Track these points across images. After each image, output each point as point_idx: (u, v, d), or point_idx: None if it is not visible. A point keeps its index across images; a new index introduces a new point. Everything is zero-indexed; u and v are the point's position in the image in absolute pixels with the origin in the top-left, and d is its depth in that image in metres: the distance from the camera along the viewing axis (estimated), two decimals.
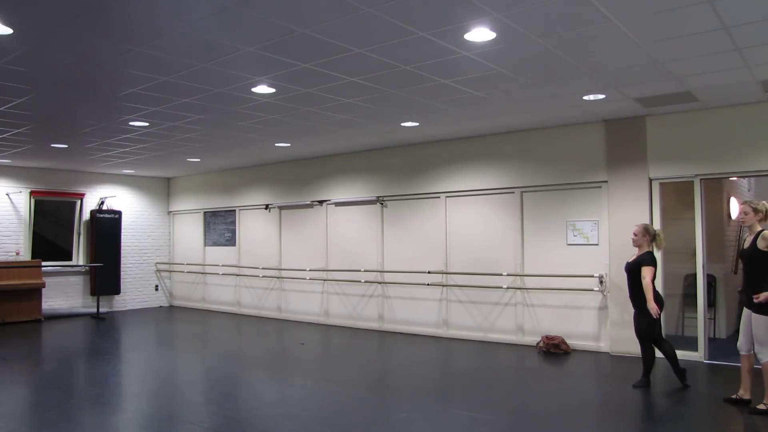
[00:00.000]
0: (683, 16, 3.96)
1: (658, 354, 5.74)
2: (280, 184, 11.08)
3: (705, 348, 6.72)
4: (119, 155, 9.76)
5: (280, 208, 11.07)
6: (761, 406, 4.74)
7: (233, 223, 12.01)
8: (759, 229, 4.84)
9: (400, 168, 9.30)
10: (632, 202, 7.08)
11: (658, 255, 6.90)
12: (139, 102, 6.18)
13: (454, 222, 8.71)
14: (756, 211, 4.89)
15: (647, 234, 5.73)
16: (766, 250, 4.71)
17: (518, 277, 8.01)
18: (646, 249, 5.68)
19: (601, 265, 7.33)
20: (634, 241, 5.76)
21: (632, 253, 5.88)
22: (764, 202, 5.01)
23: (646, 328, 5.61)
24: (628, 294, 5.84)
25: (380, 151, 9.55)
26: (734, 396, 5.02)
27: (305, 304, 10.55)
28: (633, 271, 5.64)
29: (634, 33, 4.27)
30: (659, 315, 5.49)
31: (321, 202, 10.38)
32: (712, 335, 7.66)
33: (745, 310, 4.88)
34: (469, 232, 8.55)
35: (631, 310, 5.82)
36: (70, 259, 11.78)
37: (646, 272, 5.48)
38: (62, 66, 4.95)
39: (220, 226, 12.30)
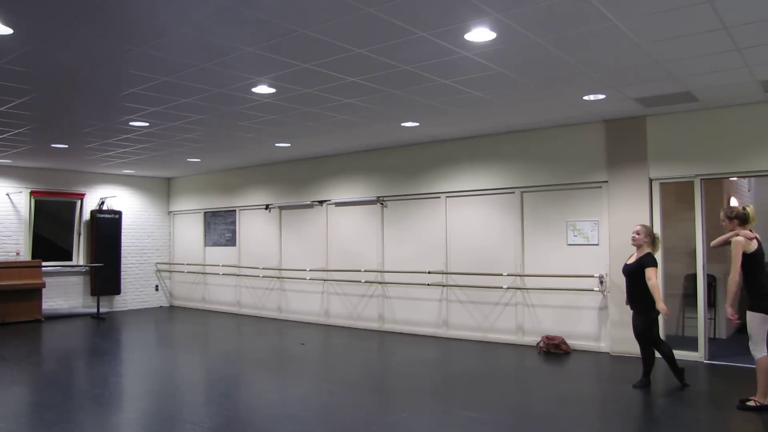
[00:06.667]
0: (683, 16, 3.96)
1: (658, 354, 5.74)
2: (280, 184, 11.08)
3: (705, 348, 6.72)
4: (119, 155, 9.76)
5: (281, 208, 11.07)
6: (751, 403, 4.76)
7: (233, 223, 12.01)
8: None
9: (400, 168, 9.30)
10: (632, 202, 7.08)
11: (657, 255, 6.93)
12: (140, 102, 6.18)
13: (454, 222, 8.71)
14: (730, 218, 4.96)
15: (648, 235, 5.72)
16: (733, 252, 4.77)
17: (518, 277, 8.01)
18: (646, 250, 5.67)
19: (601, 265, 7.32)
20: (635, 240, 5.73)
21: (629, 255, 5.88)
22: (740, 206, 5.06)
23: (645, 329, 5.61)
24: (626, 296, 5.85)
25: (380, 151, 9.55)
26: None
27: (305, 304, 10.55)
28: (634, 272, 5.62)
29: (634, 33, 4.27)
30: (664, 316, 5.51)
31: (321, 202, 10.37)
32: (712, 335, 7.66)
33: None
34: (469, 232, 8.54)
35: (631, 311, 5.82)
36: (70, 259, 11.78)
37: (651, 273, 5.46)
38: (62, 66, 4.95)
39: (221, 226, 12.30)
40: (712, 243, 5.32)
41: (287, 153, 9.87)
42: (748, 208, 4.97)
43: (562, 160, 7.70)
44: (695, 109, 6.61)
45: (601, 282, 7.27)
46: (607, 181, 7.35)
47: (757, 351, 4.70)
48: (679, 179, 6.90)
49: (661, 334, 6.85)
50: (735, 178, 8.61)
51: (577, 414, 4.99)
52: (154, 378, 6.57)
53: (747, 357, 4.86)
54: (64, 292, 11.51)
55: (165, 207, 13.42)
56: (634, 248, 5.78)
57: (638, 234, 5.72)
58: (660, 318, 5.67)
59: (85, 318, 11.11)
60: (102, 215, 11.88)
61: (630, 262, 5.75)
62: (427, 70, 5.15)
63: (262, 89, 5.73)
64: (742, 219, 4.92)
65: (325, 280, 10.22)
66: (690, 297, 7.65)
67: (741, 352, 6.83)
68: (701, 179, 6.75)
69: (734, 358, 6.61)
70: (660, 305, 5.40)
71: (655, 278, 5.45)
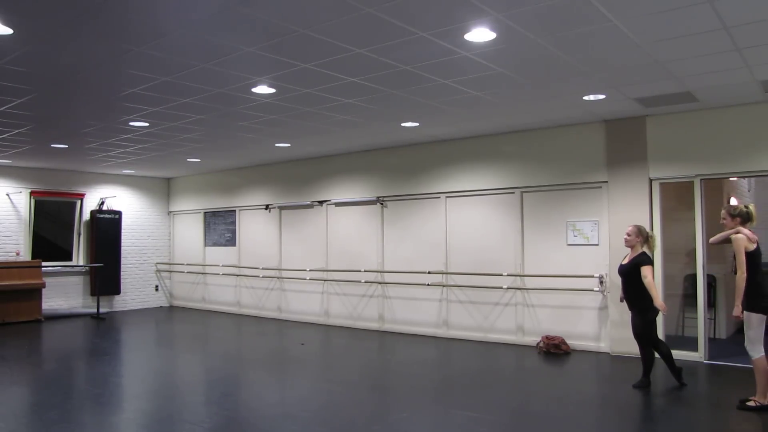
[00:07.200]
0: (683, 16, 3.96)
1: (658, 355, 5.74)
2: (280, 184, 11.08)
3: (705, 348, 6.72)
4: (119, 155, 9.76)
5: (280, 208, 11.07)
6: (751, 403, 4.77)
7: (233, 223, 12.01)
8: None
9: (400, 168, 9.30)
10: (632, 202, 7.08)
11: (657, 255, 6.93)
12: (140, 102, 6.18)
13: (454, 222, 8.71)
14: (732, 216, 4.95)
15: (640, 235, 5.72)
16: (735, 250, 4.79)
17: (518, 278, 8.01)
18: (639, 250, 5.68)
19: (601, 265, 7.32)
20: (627, 241, 5.75)
21: (624, 255, 5.88)
22: (742, 205, 5.06)
23: (643, 329, 5.60)
24: (622, 296, 5.85)
25: (380, 151, 9.54)
26: None
27: (305, 304, 10.55)
28: (629, 272, 5.61)
29: (634, 33, 4.27)
30: (663, 313, 5.52)
31: (321, 202, 10.37)
32: (712, 335, 7.66)
33: None
34: (469, 232, 8.54)
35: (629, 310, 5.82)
36: (70, 259, 11.78)
37: (647, 271, 5.47)
38: (62, 66, 4.95)
39: (220, 227, 12.30)
40: (712, 239, 5.33)
41: (287, 153, 9.86)
42: (750, 207, 4.98)
43: (562, 160, 7.70)
44: (695, 109, 6.61)
45: (601, 282, 7.27)
46: (607, 181, 7.35)
47: (754, 351, 4.72)
48: (679, 179, 6.90)
49: (661, 334, 6.86)
50: (735, 178, 8.61)
51: (577, 414, 4.99)
52: (154, 378, 6.57)
53: (747, 357, 4.86)
54: (64, 292, 11.51)
55: (165, 207, 13.42)
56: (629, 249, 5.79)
57: (629, 235, 5.74)
58: (659, 317, 5.67)
59: (85, 318, 11.11)
60: (102, 215, 11.87)
61: (625, 262, 5.75)
62: (427, 70, 5.15)
63: (262, 89, 5.73)
64: (744, 217, 4.92)
65: (325, 280, 10.22)
66: (690, 297, 7.65)
67: (741, 352, 6.83)
68: (701, 179, 6.75)
69: (734, 358, 6.60)
70: (658, 302, 5.41)
71: (650, 276, 5.46)
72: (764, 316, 4.71)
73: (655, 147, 6.98)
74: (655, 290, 5.44)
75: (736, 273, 4.93)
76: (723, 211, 5.06)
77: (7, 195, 10.89)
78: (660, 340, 5.81)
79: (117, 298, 12.31)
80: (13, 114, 6.62)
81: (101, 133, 7.81)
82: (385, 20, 3.98)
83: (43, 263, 10.88)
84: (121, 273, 12.22)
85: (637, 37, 4.35)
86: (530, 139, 7.97)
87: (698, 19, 4.01)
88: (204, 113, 6.73)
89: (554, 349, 7.35)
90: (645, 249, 5.72)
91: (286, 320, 10.71)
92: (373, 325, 9.51)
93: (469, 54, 4.71)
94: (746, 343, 4.78)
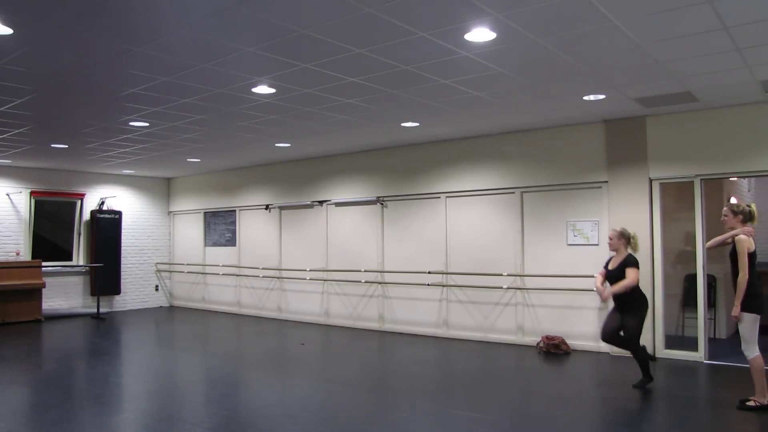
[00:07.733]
0: (683, 16, 3.96)
1: (659, 355, 5.71)
2: (280, 184, 11.08)
3: (705, 348, 6.71)
4: (119, 155, 9.76)
5: (280, 208, 11.07)
6: (750, 403, 4.77)
7: (233, 223, 12.01)
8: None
9: (400, 168, 9.30)
10: (632, 202, 7.08)
11: (656, 255, 6.93)
12: (139, 102, 6.18)
13: (454, 222, 8.71)
14: (735, 213, 4.95)
15: (623, 237, 5.70)
16: (739, 251, 4.78)
17: (518, 278, 8.00)
18: (624, 252, 5.67)
19: (601, 265, 7.30)
20: (610, 245, 5.76)
21: (609, 259, 5.84)
22: (745, 204, 5.06)
23: (635, 328, 5.52)
24: (615, 327, 5.68)
25: (380, 151, 9.54)
26: None
27: (305, 304, 10.54)
28: (620, 276, 5.56)
29: (634, 33, 4.27)
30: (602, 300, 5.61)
31: (321, 202, 10.37)
32: (712, 335, 7.65)
33: None
34: (469, 232, 8.54)
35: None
36: (70, 259, 11.78)
37: (631, 273, 5.46)
38: (62, 66, 4.95)
39: (221, 227, 12.30)
40: (708, 243, 5.31)
41: (287, 153, 9.87)
42: (752, 206, 4.98)
43: (562, 160, 7.70)
44: (695, 109, 6.61)
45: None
46: (607, 181, 7.35)
47: (750, 351, 4.73)
48: (679, 179, 6.90)
49: (661, 334, 6.88)
50: (735, 178, 8.61)
51: (577, 414, 5.00)
52: (154, 378, 6.57)
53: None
54: (64, 292, 11.51)
55: (165, 207, 13.42)
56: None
57: (611, 238, 5.75)
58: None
59: (85, 318, 11.11)
60: (102, 215, 11.87)
61: (612, 267, 5.70)
62: (427, 70, 5.15)
63: (262, 89, 5.73)
64: (746, 216, 4.92)
65: (325, 280, 10.22)
66: (690, 297, 7.65)
67: (741, 352, 6.84)
68: (701, 179, 6.75)
69: (734, 358, 6.59)
70: (607, 292, 5.52)
71: (633, 278, 5.43)
72: (758, 316, 4.72)
73: (655, 147, 6.98)
74: (623, 289, 5.45)
75: (735, 273, 4.93)
76: (725, 208, 5.05)
77: (7, 195, 10.89)
78: (630, 339, 5.66)
79: (117, 298, 12.31)
80: (13, 114, 6.62)
81: (101, 133, 7.81)
82: (385, 20, 3.98)
83: (43, 263, 10.88)
84: (121, 273, 12.22)
85: (637, 37, 4.35)
86: (530, 139, 7.97)
87: (698, 19, 4.01)
88: (204, 113, 6.73)
89: (554, 349, 7.35)
90: (629, 251, 5.71)
91: (286, 320, 10.71)
92: (373, 325, 9.51)
93: (469, 54, 4.71)
94: (742, 344, 4.78)
